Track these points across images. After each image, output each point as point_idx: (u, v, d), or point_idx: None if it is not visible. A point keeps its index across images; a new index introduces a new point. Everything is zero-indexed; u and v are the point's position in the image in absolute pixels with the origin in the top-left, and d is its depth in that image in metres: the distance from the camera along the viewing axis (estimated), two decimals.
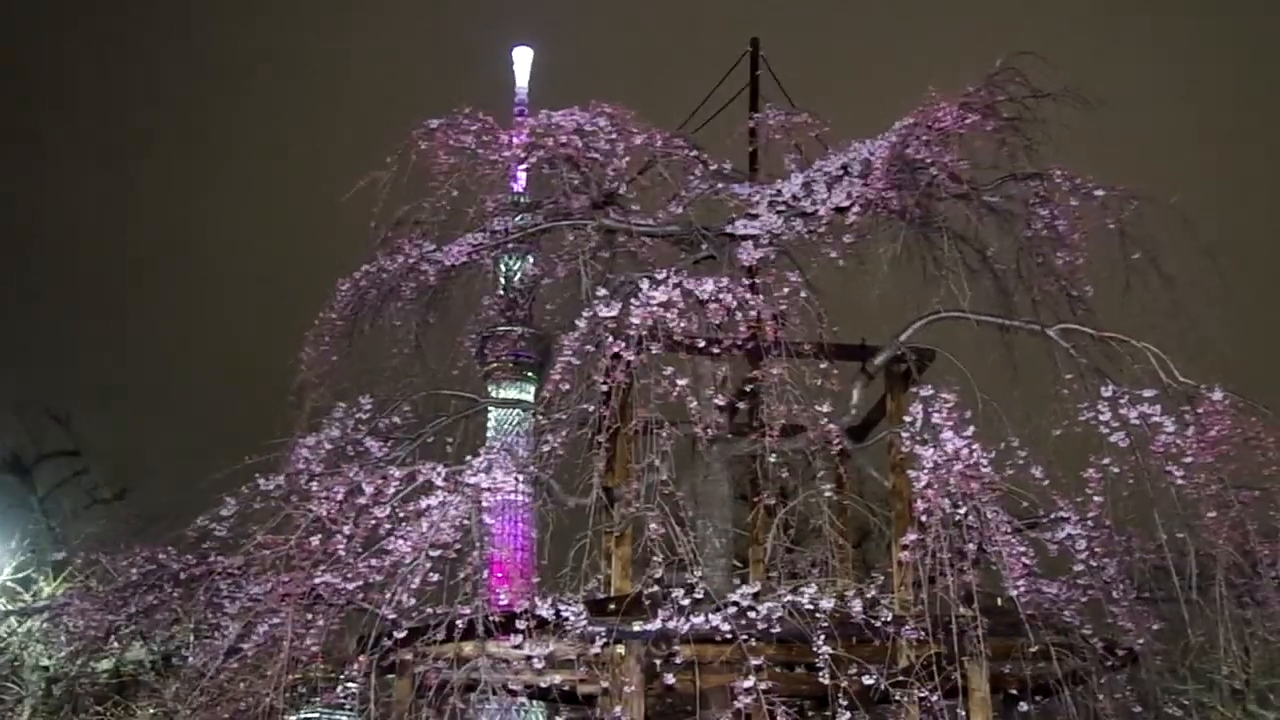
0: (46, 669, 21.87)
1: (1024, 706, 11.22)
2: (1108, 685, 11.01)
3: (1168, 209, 11.29)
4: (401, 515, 10.31)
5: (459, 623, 9.84)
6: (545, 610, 9.97)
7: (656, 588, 9.99)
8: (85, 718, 22.64)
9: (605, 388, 10.35)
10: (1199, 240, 11.02)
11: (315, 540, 10.23)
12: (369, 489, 10.50)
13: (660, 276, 10.66)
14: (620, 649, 10.20)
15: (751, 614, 9.91)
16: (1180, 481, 10.11)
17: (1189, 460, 10.09)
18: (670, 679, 10.03)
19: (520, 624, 9.94)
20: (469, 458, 10.61)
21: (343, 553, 10.23)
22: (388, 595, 9.98)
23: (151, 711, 20.78)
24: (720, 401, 11.24)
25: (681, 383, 10.38)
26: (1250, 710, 18.55)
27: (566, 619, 9.95)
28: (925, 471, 10.08)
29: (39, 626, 21.54)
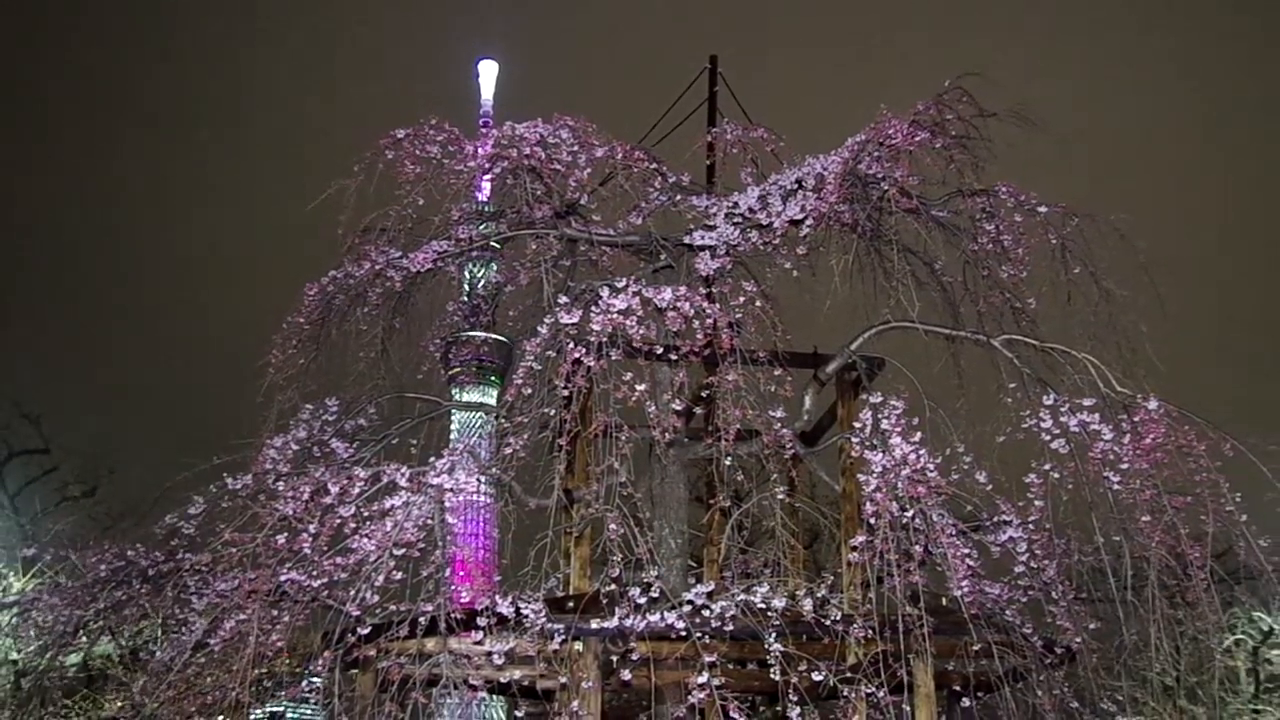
0: (15, 663, 21.60)
1: (967, 702, 11.27)
2: (1047, 682, 11.07)
3: (1107, 226, 11.42)
4: (366, 515, 10.19)
5: (422, 619, 9.76)
6: (506, 608, 9.91)
7: (614, 586, 9.96)
8: (53, 711, 22.35)
9: (566, 392, 10.33)
10: (1137, 257, 11.17)
11: (281, 538, 10.11)
12: (334, 489, 10.40)
13: (620, 285, 10.63)
14: (579, 646, 10.15)
15: (706, 612, 9.90)
16: (1117, 487, 10.20)
17: (1125, 467, 10.18)
18: (627, 675, 9.99)
19: (481, 621, 9.88)
20: (432, 459, 10.52)
21: (308, 551, 10.11)
22: (352, 592, 9.85)
23: (119, 705, 20.52)
24: (678, 406, 11.21)
25: (640, 388, 10.33)
26: (1180, 706, 18.76)
27: (526, 616, 9.89)
28: (874, 476, 10.11)
29: (8, 621, 21.22)
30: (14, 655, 21.66)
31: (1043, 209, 11.57)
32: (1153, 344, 10.90)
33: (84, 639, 14.88)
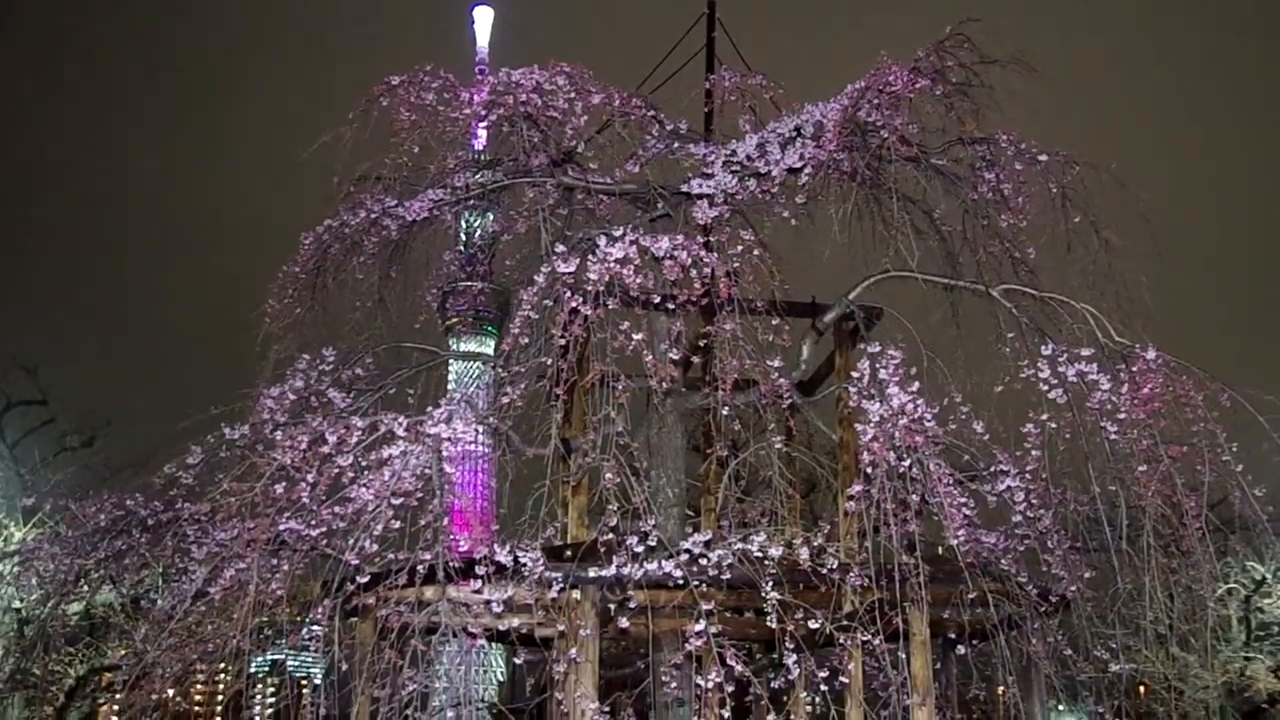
0: (18, 611, 21.75)
1: (962, 650, 11.34)
2: (1041, 630, 11.12)
3: (1107, 175, 11.31)
4: (364, 464, 10.14)
5: (420, 568, 9.72)
6: (504, 556, 9.89)
7: (612, 535, 9.94)
8: (57, 658, 22.51)
9: (563, 342, 10.23)
10: (1137, 206, 11.07)
11: (280, 488, 10.06)
12: (332, 438, 10.34)
13: (617, 234, 10.48)
14: (576, 594, 10.16)
15: (703, 561, 9.89)
16: (1114, 437, 10.16)
17: (1122, 417, 10.14)
18: (624, 623, 10.02)
19: (479, 569, 9.86)
20: (430, 409, 10.44)
21: (307, 500, 10.06)
22: (351, 541, 9.81)
23: (122, 653, 20.67)
24: (675, 356, 11.16)
25: (637, 337, 10.23)
26: (1173, 653, 18.89)
27: (524, 565, 9.87)
28: (871, 425, 10.07)
29: (10, 570, 21.34)
30: (16, 604, 21.80)
31: (1043, 157, 11.42)
32: (1153, 294, 10.85)
33: (85, 588, 14.92)
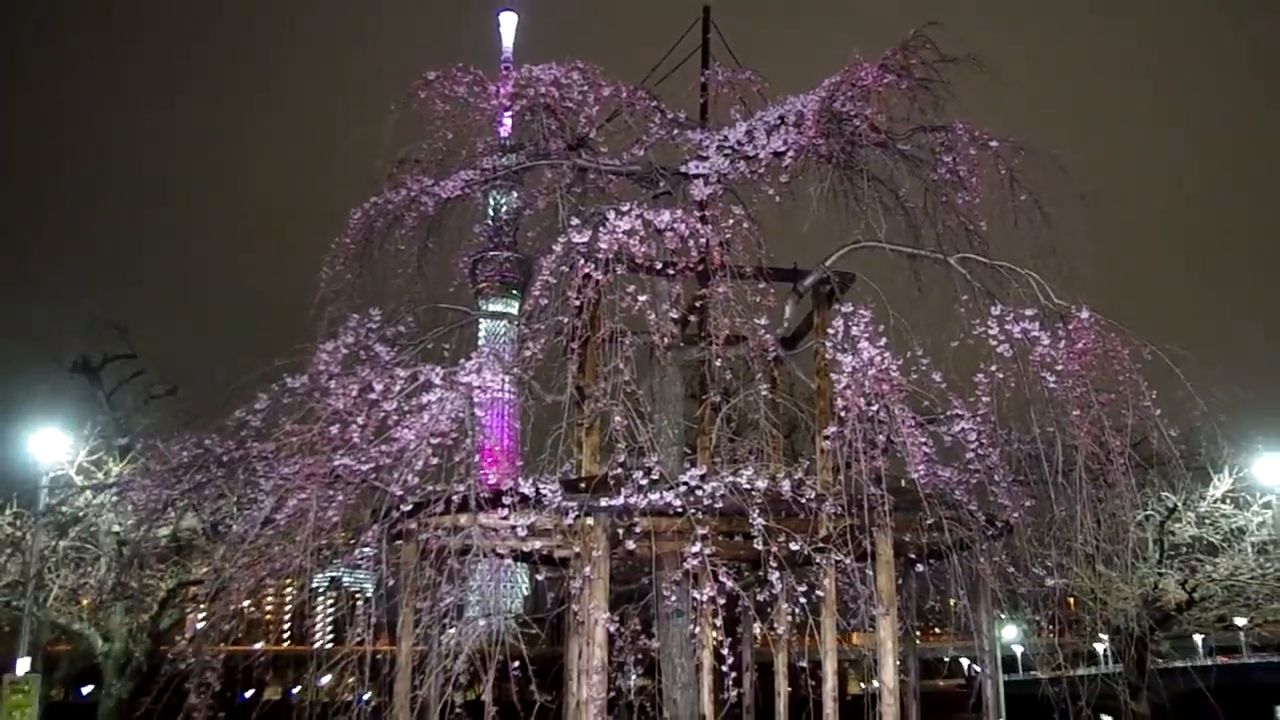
0: (117, 534, 21.94)
1: (921, 568, 11.29)
2: (988, 551, 11.04)
3: (1049, 159, 11.20)
4: (406, 409, 10.05)
5: (455, 498, 9.65)
6: (527, 488, 9.80)
7: (620, 470, 9.84)
8: (150, 574, 22.71)
9: (577, 303, 10.11)
10: (1076, 186, 11.00)
11: (334, 429, 9.96)
12: (379, 387, 10.23)
13: (624, 208, 10.33)
14: (589, 521, 10.05)
15: (699, 492, 9.78)
16: (1052, 386, 10.07)
17: (1060, 368, 10.05)
18: (631, 545, 9.95)
19: (506, 500, 9.77)
20: (463, 361, 10.37)
21: (357, 440, 9.97)
22: (396, 475, 9.74)
23: (204, 570, 20.77)
24: (674, 315, 11.06)
25: (642, 299, 10.11)
26: (1099, 570, 18.89)
27: (545, 496, 9.78)
28: (845, 375, 9.93)
29: (110, 500, 21.50)
30: (116, 528, 21.96)
31: (994, 143, 11.30)
32: (1086, 261, 10.79)
33: (172, 514, 14.89)
